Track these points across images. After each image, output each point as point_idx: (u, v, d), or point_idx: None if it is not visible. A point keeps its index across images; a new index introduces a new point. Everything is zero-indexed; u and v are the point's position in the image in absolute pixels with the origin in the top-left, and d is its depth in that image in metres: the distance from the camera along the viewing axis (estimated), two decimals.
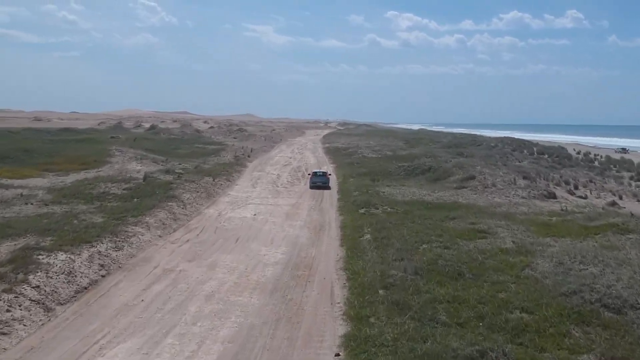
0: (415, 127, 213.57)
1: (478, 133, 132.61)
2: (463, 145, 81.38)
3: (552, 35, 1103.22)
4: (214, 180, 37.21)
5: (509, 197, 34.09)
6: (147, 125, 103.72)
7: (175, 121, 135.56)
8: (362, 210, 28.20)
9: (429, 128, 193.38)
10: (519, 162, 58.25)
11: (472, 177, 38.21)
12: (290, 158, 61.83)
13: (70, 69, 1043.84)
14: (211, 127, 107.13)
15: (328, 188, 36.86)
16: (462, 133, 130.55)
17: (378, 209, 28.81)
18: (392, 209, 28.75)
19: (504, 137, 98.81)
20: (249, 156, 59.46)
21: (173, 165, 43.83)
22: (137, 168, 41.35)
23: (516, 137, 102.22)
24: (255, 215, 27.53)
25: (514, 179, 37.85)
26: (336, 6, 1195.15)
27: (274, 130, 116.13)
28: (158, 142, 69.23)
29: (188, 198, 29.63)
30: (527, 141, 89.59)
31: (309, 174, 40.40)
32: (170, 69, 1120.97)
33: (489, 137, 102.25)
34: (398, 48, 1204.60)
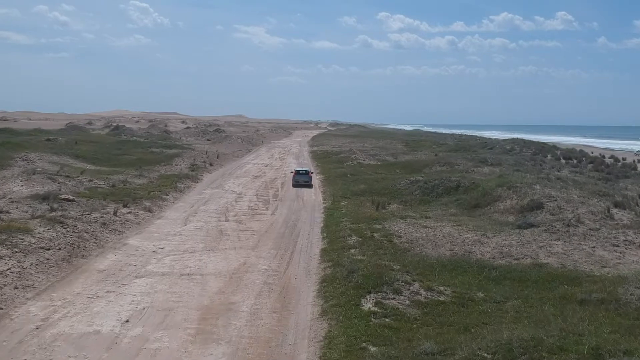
0: (408, 127, 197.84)
1: (476, 134, 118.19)
2: (472, 149, 65.86)
3: (542, 36, 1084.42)
4: (116, 213, 21.05)
5: (617, 245, 18.34)
6: (114, 126, 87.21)
7: (150, 121, 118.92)
8: (367, 304, 12.37)
9: (422, 129, 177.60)
10: (558, 171, 42.43)
11: (539, 206, 22.22)
12: (267, 166, 45.87)
13: (62, 70, 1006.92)
14: (187, 128, 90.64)
15: (310, 186, 32.91)
16: (461, 134, 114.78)
17: (401, 293, 12.99)
18: (429, 295, 12.97)
19: (514, 138, 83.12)
20: (211, 164, 43.47)
21: (79, 182, 27.75)
22: (16, 189, 25.27)
23: (521, 139, 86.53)
24: (127, 321, 11.45)
25: (608, 209, 21.94)
26: (328, 7, 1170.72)
27: (257, 131, 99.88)
28: (105, 145, 52.75)
29: (1, 272, 13.38)
30: (544, 144, 73.84)
31: (291, 172, 36.07)
32: (163, 70, 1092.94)
33: (496, 139, 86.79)
34: (390, 49, 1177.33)
